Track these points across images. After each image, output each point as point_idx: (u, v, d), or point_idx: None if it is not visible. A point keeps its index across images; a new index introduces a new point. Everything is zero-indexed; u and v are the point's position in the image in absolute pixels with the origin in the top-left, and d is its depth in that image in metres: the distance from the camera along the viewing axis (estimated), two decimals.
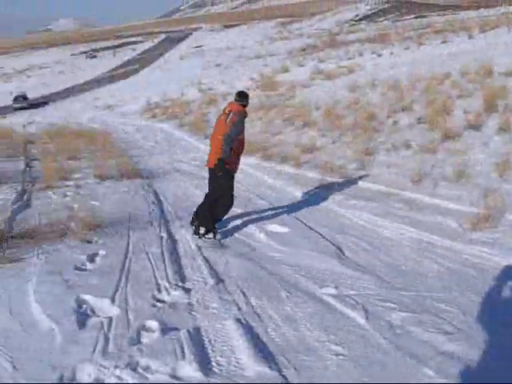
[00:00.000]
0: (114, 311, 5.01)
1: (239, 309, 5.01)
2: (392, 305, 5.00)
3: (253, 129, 18.16)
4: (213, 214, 7.33)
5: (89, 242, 7.03)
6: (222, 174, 7.15)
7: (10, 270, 5.99)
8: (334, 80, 26.77)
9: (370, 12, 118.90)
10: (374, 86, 20.49)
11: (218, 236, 7.32)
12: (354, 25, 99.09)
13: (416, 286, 5.49)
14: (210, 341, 4.44)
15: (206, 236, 7.26)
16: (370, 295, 5.23)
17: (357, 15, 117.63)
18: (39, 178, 11.34)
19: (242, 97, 7.52)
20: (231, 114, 7.27)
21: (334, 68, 32.56)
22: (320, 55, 45.27)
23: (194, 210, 7.60)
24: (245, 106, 7.51)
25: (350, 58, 37.71)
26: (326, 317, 4.81)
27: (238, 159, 7.62)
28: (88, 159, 14.01)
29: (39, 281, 5.68)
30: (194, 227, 7.42)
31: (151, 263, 6.28)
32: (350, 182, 10.31)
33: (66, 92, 65.08)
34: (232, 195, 7.46)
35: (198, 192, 10.20)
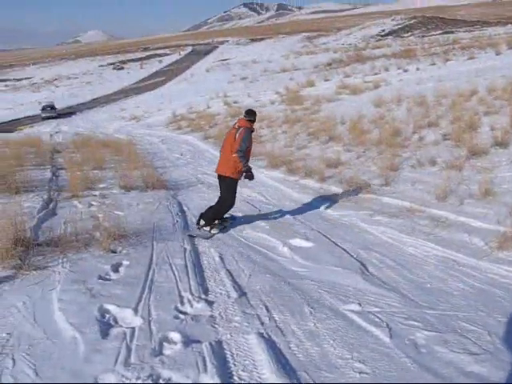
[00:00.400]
0: (137, 322, 5.02)
1: (262, 323, 4.99)
2: (416, 323, 4.94)
3: (278, 142, 18.19)
4: (217, 212, 8.31)
5: (113, 251, 7.07)
6: (232, 183, 8.35)
7: (35, 278, 6.05)
8: (360, 95, 26.72)
9: (396, 27, 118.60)
10: (400, 102, 20.41)
11: (214, 231, 8.21)
12: (380, 40, 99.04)
13: (441, 304, 5.41)
14: (232, 354, 4.43)
15: (204, 228, 8.19)
16: (394, 313, 5.18)
17: (383, 30, 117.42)
18: (65, 186, 11.44)
19: (250, 114, 8.44)
20: (240, 129, 8.21)
21: (359, 83, 32.51)
22: (346, 70, 45.25)
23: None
24: (252, 122, 8.43)
25: (375, 73, 37.62)
26: (349, 333, 4.77)
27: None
28: (113, 169, 14.12)
29: (63, 289, 5.73)
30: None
31: (174, 274, 6.29)
32: (375, 197, 10.25)
33: (93, 102, 65.88)
34: (235, 197, 8.39)
35: None
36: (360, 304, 5.39)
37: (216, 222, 8.36)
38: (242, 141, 8.09)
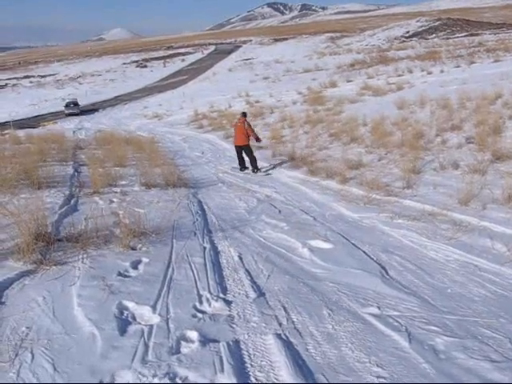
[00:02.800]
0: (155, 319, 5.03)
1: (280, 324, 4.97)
2: (436, 328, 4.88)
3: (299, 143, 18.16)
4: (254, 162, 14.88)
5: (133, 248, 7.10)
6: (249, 147, 15.15)
7: (55, 273, 6.09)
8: (383, 96, 26.60)
9: (421, 29, 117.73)
10: (423, 104, 20.26)
11: (259, 172, 14.70)
12: (404, 41, 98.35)
13: (461, 310, 5.35)
14: (249, 355, 4.42)
15: (259, 171, 14.73)
16: (413, 317, 5.12)
17: (407, 32, 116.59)
18: (87, 183, 11.50)
19: (244, 114, 15.84)
20: (246, 122, 15.24)
21: (382, 84, 32.33)
22: (369, 71, 45.03)
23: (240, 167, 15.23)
24: (245, 117, 15.58)
25: (399, 75, 37.42)
26: (367, 337, 4.72)
27: (249, 139, 15.19)
28: (135, 167, 14.20)
29: (83, 285, 5.75)
30: (245, 169, 15.11)
31: (193, 273, 6.29)
32: (396, 200, 10.17)
33: (115, 100, 66.25)
34: (252, 153, 15.05)
35: (241, 204, 10.24)
36: (379, 307, 5.35)
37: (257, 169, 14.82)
38: (249, 126, 15.33)
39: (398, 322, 5.02)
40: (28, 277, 5.96)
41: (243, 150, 15.10)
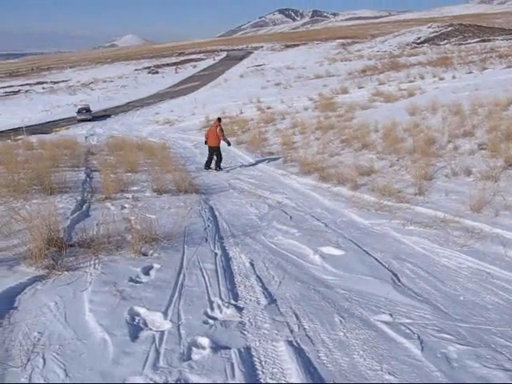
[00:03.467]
0: (166, 325, 5.03)
1: (291, 331, 4.95)
2: (448, 336, 4.84)
3: (310, 149, 18.15)
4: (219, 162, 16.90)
5: (144, 254, 7.11)
6: (219, 149, 17.09)
7: (66, 278, 6.11)
8: (394, 103, 26.51)
9: (432, 35, 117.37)
10: (435, 110, 20.17)
11: (220, 171, 16.49)
12: (415, 47, 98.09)
13: (474, 317, 5.31)
14: (260, 362, 4.40)
15: (216, 170, 16.55)
16: (425, 325, 5.09)
17: (419, 38, 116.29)
18: (99, 188, 11.55)
19: (219, 120, 17.95)
20: (219, 127, 17.12)
21: (394, 90, 32.26)
22: (380, 77, 44.95)
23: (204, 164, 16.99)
24: (219, 121, 17.68)
25: (410, 81, 37.29)
26: (379, 345, 4.70)
27: (219, 142, 17.00)
28: (146, 172, 14.24)
29: (94, 290, 5.76)
30: (209, 168, 16.81)
31: (205, 279, 6.29)
32: (408, 206, 10.13)
33: (127, 106, 66.46)
34: (221, 154, 17.09)
35: (253, 210, 10.24)
36: (391, 315, 5.32)
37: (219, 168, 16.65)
38: (221, 131, 17.15)
39: (410, 329, 4.99)
40: (40, 282, 5.98)
41: (214, 150, 16.99)
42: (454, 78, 33.68)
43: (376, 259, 7.24)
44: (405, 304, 5.64)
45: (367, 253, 7.54)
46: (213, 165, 17.04)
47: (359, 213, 10.01)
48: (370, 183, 12.05)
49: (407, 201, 10.44)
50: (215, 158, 17.01)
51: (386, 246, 7.96)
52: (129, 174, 13.66)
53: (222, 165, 17.01)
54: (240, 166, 17.19)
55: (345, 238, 8.31)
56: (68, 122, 52.97)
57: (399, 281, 6.41)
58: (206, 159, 17.37)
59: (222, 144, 17.12)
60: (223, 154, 17.53)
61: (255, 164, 17.46)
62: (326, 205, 11.00)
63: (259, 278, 6.43)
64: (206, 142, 17.53)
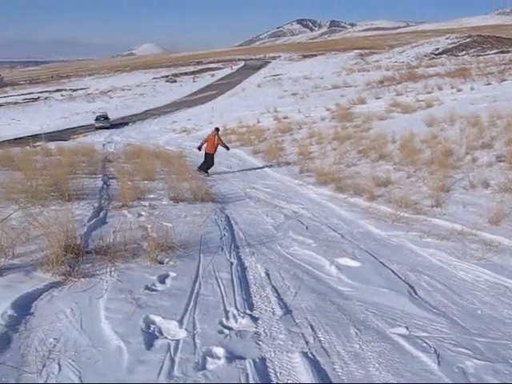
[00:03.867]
0: (182, 334, 5.01)
1: (306, 342, 4.92)
2: (465, 351, 4.78)
3: (327, 159, 18.12)
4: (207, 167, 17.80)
5: (160, 262, 7.11)
6: (213, 157, 18.21)
7: (83, 285, 6.12)
8: (412, 114, 26.42)
9: (451, 46, 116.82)
10: (453, 122, 20.08)
11: (208, 176, 17.06)
12: (433, 58, 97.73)
13: (492, 332, 5.24)
14: (275, 373, 4.37)
15: (205, 175, 17.09)
16: (442, 338, 5.03)
17: (437, 49, 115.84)
18: (116, 196, 11.59)
19: (217, 129, 18.99)
20: (217, 136, 18.39)
21: (411, 101, 32.15)
22: (398, 88, 44.83)
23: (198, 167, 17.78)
24: (217, 131, 18.79)
25: (428, 92, 37.16)
26: (395, 358, 4.65)
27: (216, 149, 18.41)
28: (163, 181, 14.29)
29: (110, 298, 5.77)
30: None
31: (220, 288, 6.27)
32: (425, 218, 10.06)
33: (145, 114, 66.90)
34: (213, 161, 18.12)
35: (269, 220, 10.22)
36: (407, 328, 5.27)
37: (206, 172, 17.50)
38: (219, 139, 18.53)
39: (426, 343, 4.94)
40: (56, 288, 6.00)
41: (208, 156, 18.22)
42: (472, 89, 33.52)
43: (392, 271, 7.18)
44: (421, 317, 5.58)
45: (384, 264, 7.49)
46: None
47: (376, 224, 9.96)
48: (387, 194, 12.00)
49: (424, 212, 10.38)
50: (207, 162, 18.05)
51: (402, 257, 7.90)
52: (146, 181, 13.70)
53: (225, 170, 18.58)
54: (256, 176, 17.19)
55: (361, 250, 8.26)
56: (86, 129, 53.49)
57: (416, 293, 6.35)
58: (224, 168, 17.74)
59: (234, 152, 17.51)
60: (233, 160, 17.53)
61: (271, 173, 17.47)
62: (342, 215, 10.96)
63: (275, 289, 6.39)
64: (199, 149, 18.92)
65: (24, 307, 5.44)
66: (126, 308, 5.52)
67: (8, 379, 4.16)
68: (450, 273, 7.19)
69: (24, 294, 5.72)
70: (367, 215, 10.69)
